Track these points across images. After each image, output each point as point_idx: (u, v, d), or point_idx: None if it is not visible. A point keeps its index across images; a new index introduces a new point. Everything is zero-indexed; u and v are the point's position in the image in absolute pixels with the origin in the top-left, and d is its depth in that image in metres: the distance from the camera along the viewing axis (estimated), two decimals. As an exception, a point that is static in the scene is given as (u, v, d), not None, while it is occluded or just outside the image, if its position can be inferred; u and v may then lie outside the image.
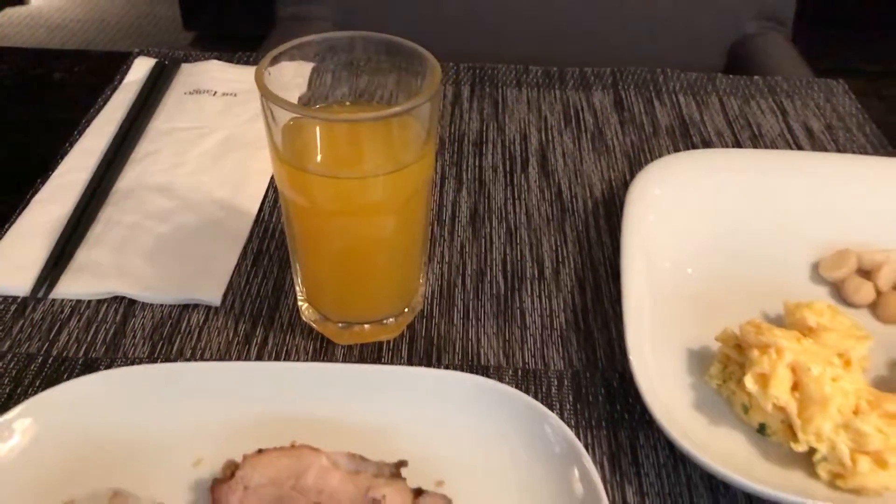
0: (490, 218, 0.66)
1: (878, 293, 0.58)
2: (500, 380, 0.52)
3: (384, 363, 0.54)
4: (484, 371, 0.53)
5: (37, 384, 0.51)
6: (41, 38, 2.78)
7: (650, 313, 0.54)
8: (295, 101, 0.47)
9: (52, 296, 0.57)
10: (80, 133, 0.73)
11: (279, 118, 0.45)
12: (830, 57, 1.44)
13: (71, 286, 0.58)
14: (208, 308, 0.57)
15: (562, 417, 0.48)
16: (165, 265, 0.59)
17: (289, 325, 0.56)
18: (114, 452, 0.45)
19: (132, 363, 0.53)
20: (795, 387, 0.47)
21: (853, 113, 0.80)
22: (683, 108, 0.80)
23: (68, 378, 0.50)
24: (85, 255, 0.60)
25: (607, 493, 0.45)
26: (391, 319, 0.54)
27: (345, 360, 0.54)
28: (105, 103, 0.77)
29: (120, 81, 0.80)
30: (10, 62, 0.86)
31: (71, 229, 0.61)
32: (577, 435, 0.47)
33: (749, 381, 0.47)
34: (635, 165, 0.72)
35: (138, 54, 0.84)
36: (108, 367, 0.52)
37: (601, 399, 0.52)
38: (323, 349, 0.54)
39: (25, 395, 0.50)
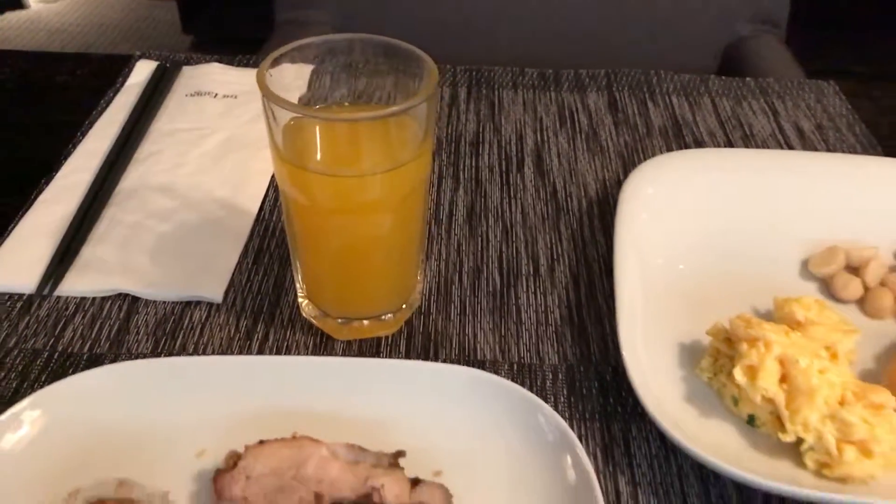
0: (486, 216, 0.67)
1: (866, 289, 0.59)
2: (496, 374, 0.53)
3: (383, 358, 0.55)
4: (480, 366, 0.54)
5: (43, 379, 0.52)
6: (41, 41, 2.78)
7: (643, 309, 0.55)
8: (295, 102, 0.49)
9: (57, 293, 0.58)
10: (83, 135, 0.74)
11: (280, 118, 0.47)
12: (824, 59, 1.45)
13: (75, 284, 0.59)
14: (210, 305, 0.58)
15: (556, 410, 0.49)
16: (168, 263, 0.60)
17: (289, 321, 0.57)
18: (119, 443, 0.46)
19: (136, 359, 0.54)
20: (783, 379, 0.48)
21: (843, 113, 0.81)
22: (676, 108, 0.82)
23: (73, 373, 0.51)
24: (89, 253, 0.61)
25: (600, 482, 0.46)
26: (389, 315, 0.56)
27: (344, 356, 0.55)
28: (107, 105, 0.78)
29: (122, 84, 0.81)
30: (12, 65, 0.88)
31: (75, 228, 0.63)
32: (571, 427, 0.48)
33: (738, 374, 0.48)
34: (629, 165, 0.73)
35: (140, 57, 0.85)
36: (113, 362, 0.53)
37: (595, 392, 0.53)
38: (323, 344, 0.56)
39: (32, 389, 0.51)
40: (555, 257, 0.63)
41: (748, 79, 0.87)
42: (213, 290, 0.59)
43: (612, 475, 0.48)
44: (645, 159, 0.72)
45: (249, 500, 0.42)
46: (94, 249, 0.61)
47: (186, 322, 0.57)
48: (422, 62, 0.48)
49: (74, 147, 0.72)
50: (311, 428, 0.46)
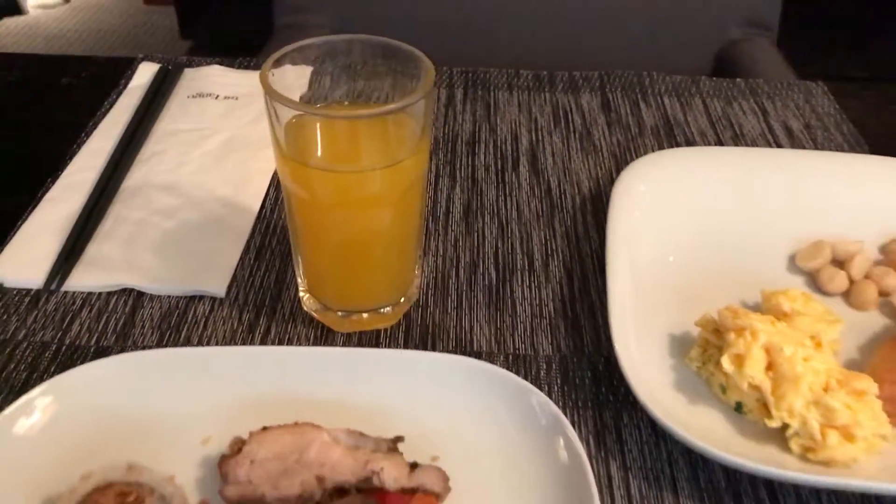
0: (482, 213, 0.69)
1: (851, 282, 0.61)
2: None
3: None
4: (476, 357, 0.55)
5: (51, 370, 0.54)
6: (39, 47, 2.80)
7: (634, 302, 0.57)
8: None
9: (64, 288, 0.60)
10: (88, 135, 0.75)
11: (282, 116, 0.48)
12: (815, 61, 1.47)
13: (82, 279, 0.60)
14: (213, 299, 0.60)
15: (550, 399, 0.51)
16: (172, 259, 0.62)
17: (290, 314, 0.59)
18: (128, 430, 0.48)
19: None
20: (769, 367, 0.50)
21: (831, 113, 0.83)
22: (668, 109, 0.84)
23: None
24: (95, 249, 0.63)
25: (593, 468, 0.47)
26: (388, 308, 0.57)
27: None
28: (111, 106, 0.79)
29: (125, 86, 0.83)
30: (19, 68, 0.89)
31: (81, 225, 0.64)
32: (565, 414, 0.50)
33: (726, 362, 0.50)
34: (621, 164, 0.75)
35: (142, 59, 0.87)
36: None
37: (587, 382, 0.55)
38: (323, 337, 0.57)
39: (41, 381, 0.52)
40: (549, 253, 0.65)
41: (738, 80, 0.89)
42: (217, 284, 0.60)
43: (604, 461, 0.50)
44: (637, 158, 0.74)
45: (254, 482, 0.44)
46: (99, 246, 0.63)
47: (190, 316, 0.59)
48: (419, 62, 0.50)
49: (80, 147, 0.74)
50: (313, 415, 0.47)
